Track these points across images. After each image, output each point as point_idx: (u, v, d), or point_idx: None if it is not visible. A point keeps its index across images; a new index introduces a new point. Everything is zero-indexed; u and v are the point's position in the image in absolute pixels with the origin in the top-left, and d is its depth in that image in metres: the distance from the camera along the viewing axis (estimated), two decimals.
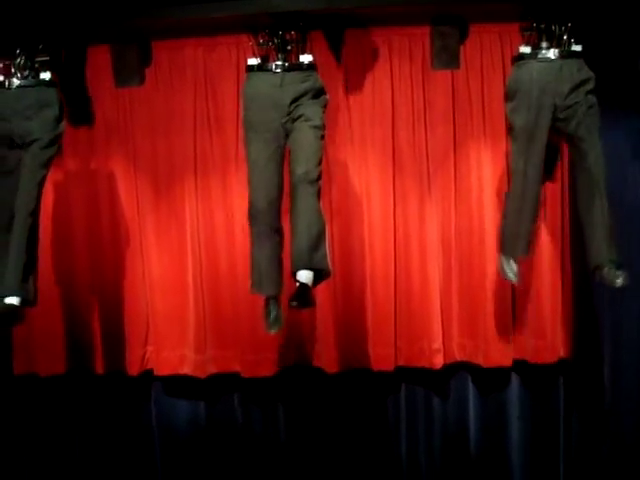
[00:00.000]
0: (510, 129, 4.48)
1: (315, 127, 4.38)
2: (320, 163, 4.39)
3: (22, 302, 4.43)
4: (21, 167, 4.45)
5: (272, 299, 4.55)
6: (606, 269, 4.37)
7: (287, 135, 4.41)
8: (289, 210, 4.41)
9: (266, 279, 4.52)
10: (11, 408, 5.43)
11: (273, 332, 4.59)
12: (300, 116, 4.39)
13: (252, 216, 4.49)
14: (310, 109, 4.40)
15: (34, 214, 4.45)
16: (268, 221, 4.44)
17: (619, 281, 4.35)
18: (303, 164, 4.32)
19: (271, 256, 4.49)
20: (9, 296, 4.39)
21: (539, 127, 4.37)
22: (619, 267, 4.36)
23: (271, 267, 4.50)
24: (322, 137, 4.42)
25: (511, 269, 4.64)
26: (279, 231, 4.47)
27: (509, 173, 4.96)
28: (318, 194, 4.36)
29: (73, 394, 5.44)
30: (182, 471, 5.47)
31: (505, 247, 4.66)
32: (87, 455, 5.51)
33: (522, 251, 4.66)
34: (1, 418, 5.40)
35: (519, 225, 4.58)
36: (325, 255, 4.35)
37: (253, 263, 4.54)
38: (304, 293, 4.28)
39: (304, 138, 4.37)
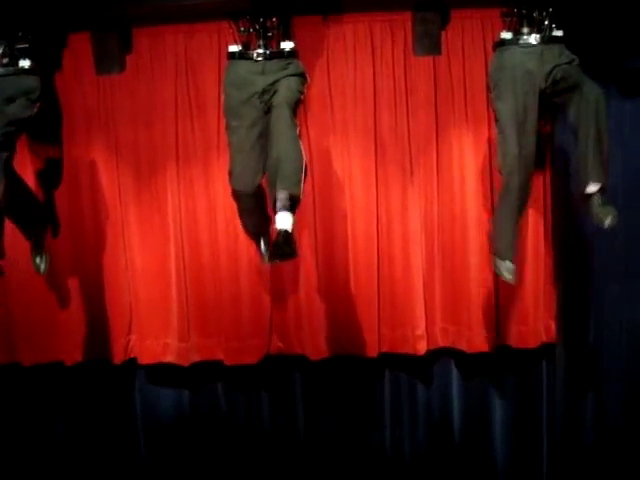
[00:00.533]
0: (497, 119, 4.41)
1: (293, 85, 4.38)
2: (298, 103, 4.39)
3: None
4: None
5: (262, 237, 4.73)
6: (597, 205, 4.29)
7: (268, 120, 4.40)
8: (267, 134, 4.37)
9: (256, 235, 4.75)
10: None
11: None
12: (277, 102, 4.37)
13: (237, 197, 4.55)
14: (289, 79, 4.41)
15: None
16: (253, 200, 4.52)
17: (608, 221, 4.26)
18: (282, 95, 4.32)
19: (257, 221, 4.66)
20: None
21: (528, 111, 4.31)
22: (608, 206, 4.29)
23: (258, 228, 4.71)
24: (301, 92, 4.41)
25: (508, 269, 4.47)
26: (263, 200, 4.51)
27: (492, 159, 4.98)
28: (294, 120, 4.30)
29: (57, 383, 5.43)
30: (166, 459, 5.48)
31: (500, 250, 4.51)
32: (71, 444, 5.52)
33: (515, 250, 4.54)
34: None
35: (513, 223, 4.48)
36: (301, 181, 4.24)
37: (242, 224, 4.75)
38: (286, 241, 4.17)
39: (283, 86, 4.36)
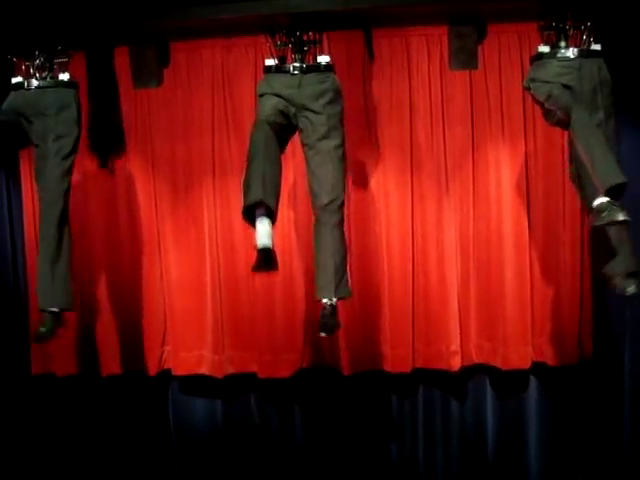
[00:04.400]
0: (547, 104, 4.31)
1: (337, 147, 4.38)
2: (344, 188, 4.43)
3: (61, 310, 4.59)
4: (45, 174, 4.52)
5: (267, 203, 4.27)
6: (618, 278, 4.18)
7: (295, 126, 4.42)
8: (313, 237, 4.43)
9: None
10: (28, 407, 5.46)
11: None
12: (320, 136, 4.36)
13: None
14: (330, 122, 4.38)
15: (62, 226, 4.54)
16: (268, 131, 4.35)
17: (630, 289, 4.14)
18: (328, 193, 4.34)
19: (267, 168, 4.29)
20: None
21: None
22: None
23: (267, 179, 4.28)
24: (344, 156, 4.43)
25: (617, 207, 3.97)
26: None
27: (528, 174, 4.96)
28: (342, 222, 4.41)
29: (91, 394, 5.46)
30: (199, 470, 5.48)
31: (605, 180, 3.98)
32: (105, 454, 5.54)
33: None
34: (18, 417, 5.43)
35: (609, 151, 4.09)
36: (347, 282, 4.40)
37: (246, 177, 4.33)
38: (331, 315, 4.33)
39: (328, 162, 4.36)
